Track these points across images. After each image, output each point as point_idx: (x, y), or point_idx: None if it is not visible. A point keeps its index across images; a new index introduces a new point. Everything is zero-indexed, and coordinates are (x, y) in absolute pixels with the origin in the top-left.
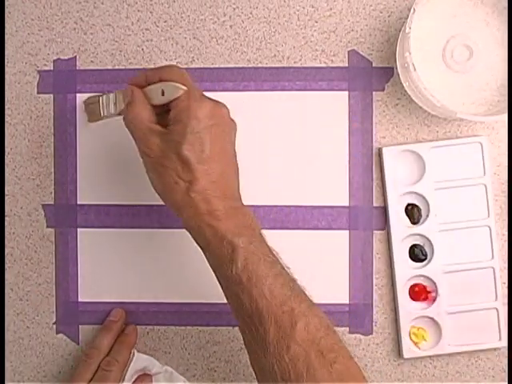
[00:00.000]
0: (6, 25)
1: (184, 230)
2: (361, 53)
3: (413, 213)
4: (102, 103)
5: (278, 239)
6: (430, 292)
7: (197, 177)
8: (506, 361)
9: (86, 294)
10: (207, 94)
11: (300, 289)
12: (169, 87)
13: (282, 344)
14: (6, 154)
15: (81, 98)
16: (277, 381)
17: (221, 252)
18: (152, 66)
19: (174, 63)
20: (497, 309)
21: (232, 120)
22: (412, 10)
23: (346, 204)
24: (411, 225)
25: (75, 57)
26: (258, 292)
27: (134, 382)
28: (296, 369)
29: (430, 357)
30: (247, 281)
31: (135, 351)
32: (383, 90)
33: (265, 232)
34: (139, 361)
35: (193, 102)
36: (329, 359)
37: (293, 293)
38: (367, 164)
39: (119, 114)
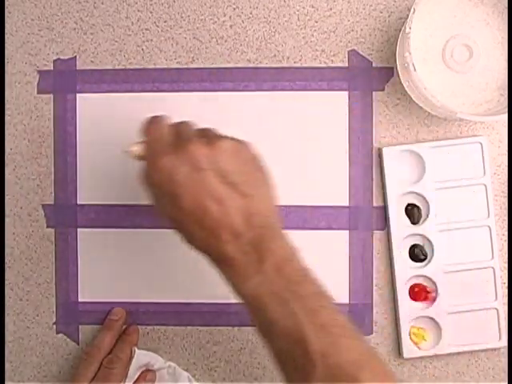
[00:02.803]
0: (6, 25)
1: None
2: (361, 53)
3: (413, 213)
4: None
5: None
6: (429, 292)
7: (187, 229)
8: (506, 361)
9: (86, 294)
10: (207, 94)
11: (326, 320)
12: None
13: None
14: (6, 154)
15: (81, 98)
16: None
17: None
18: (152, 66)
19: (174, 63)
20: (497, 309)
21: (212, 146)
22: (412, 10)
23: (346, 204)
24: (411, 225)
25: (75, 57)
26: (272, 338)
27: (138, 378)
28: None
29: (429, 357)
30: (260, 327)
31: (135, 348)
32: (383, 89)
33: None
34: (141, 357)
35: (147, 166)
36: None
37: (309, 328)
38: (367, 164)
39: None
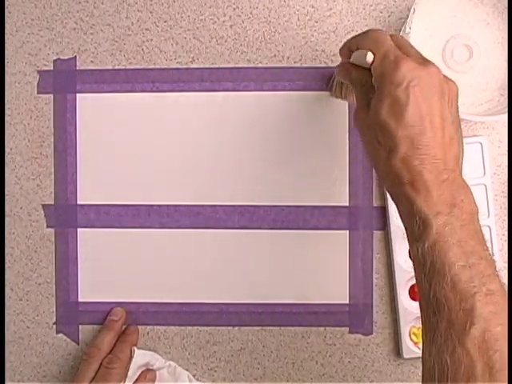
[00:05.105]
0: (6, 25)
1: (184, 231)
2: None
3: None
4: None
5: (278, 239)
6: None
7: (396, 143)
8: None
9: (86, 293)
10: (207, 94)
11: (496, 288)
12: (357, 54)
13: (448, 343)
14: (6, 154)
15: (81, 98)
16: (433, 380)
17: (412, 228)
18: (152, 66)
19: (174, 63)
20: None
21: (446, 80)
22: (412, 10)
23: (346, 204)
24: None
25: (75, 57)
26: (439, 280)
27: (138, 378)
28: (455, 375)
29: None
30: (430, 265)
31: (135, 348)
32: None
33: (264, 232)
34: (141, 356)
35: (386, 67)
36: (496, 378)
37: (480, 290)
38: (367, 164)
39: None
